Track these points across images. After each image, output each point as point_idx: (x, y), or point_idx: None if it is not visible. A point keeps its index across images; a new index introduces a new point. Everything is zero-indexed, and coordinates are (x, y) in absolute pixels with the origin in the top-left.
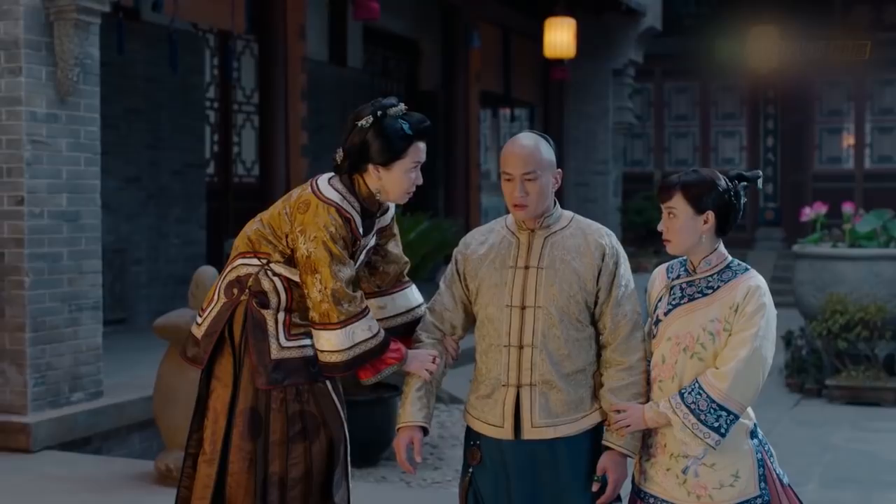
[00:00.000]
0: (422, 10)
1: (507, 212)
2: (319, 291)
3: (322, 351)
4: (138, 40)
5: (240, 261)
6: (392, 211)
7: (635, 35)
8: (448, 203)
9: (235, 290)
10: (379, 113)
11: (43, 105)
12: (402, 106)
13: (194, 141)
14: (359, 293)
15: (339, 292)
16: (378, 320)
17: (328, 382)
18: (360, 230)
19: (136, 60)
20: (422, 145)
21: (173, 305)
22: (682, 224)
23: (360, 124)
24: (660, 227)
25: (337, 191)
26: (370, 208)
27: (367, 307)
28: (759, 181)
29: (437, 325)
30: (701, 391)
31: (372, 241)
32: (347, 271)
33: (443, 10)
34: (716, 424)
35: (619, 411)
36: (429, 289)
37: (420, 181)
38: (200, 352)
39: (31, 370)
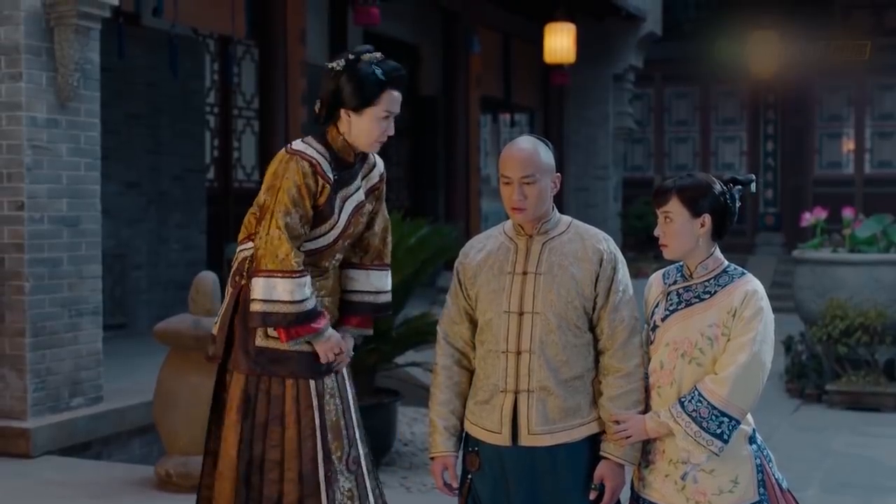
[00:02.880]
0: (422, 15)
1: (508, 217)
2: (261, 238)
3: (251, 299)
4: (139, 45)
5: (240, 247)
6: (380, 168)
7: (635, 40)
8: (448, 208)
9: (238, 277)
10: (352, 57)
11: (43, 110)
12: (377, 53)
13: (194, 146)
14: (300, 257)
15: (277, 240)
16: (348, 291)
17: (312, 381)
18: (330, 175)
19: (137, 65)
20: (396, 94)
21: (174, 310)
22: (678, 228)
23: (331, 66)
24: (656, 232)
25: (304, 142)
26: (346, 158)
27: (303, 273)
28: (753, 185)
29: (449, 340)
30: (701, 398)
31: (361, 196)
32: (291, 220)
33: (443, 15)
34: (718, 431)
35: (618, 422)
36: (428, 293)
37: (391, 132)
38: (217, 346)
39: (31, 375)
